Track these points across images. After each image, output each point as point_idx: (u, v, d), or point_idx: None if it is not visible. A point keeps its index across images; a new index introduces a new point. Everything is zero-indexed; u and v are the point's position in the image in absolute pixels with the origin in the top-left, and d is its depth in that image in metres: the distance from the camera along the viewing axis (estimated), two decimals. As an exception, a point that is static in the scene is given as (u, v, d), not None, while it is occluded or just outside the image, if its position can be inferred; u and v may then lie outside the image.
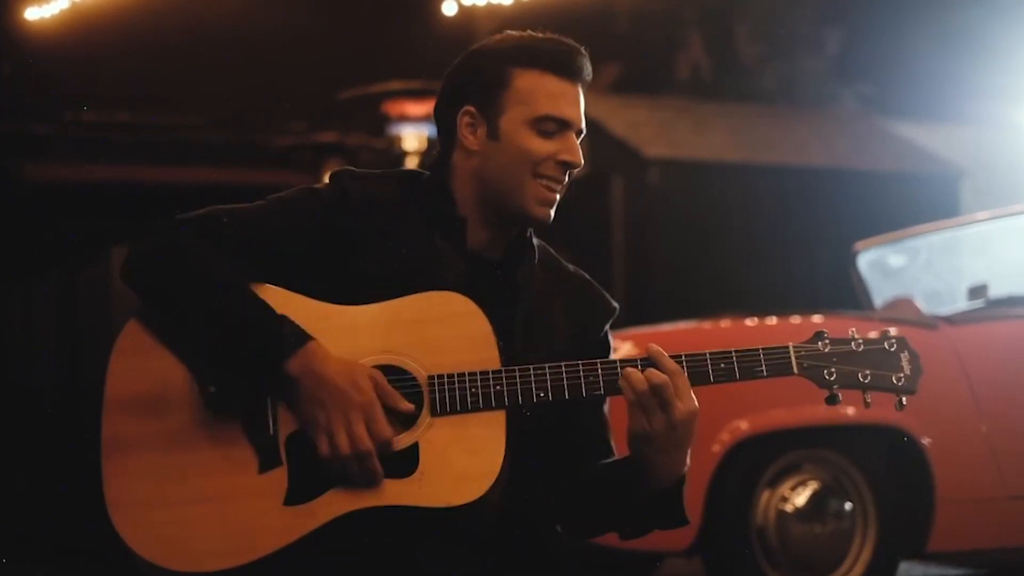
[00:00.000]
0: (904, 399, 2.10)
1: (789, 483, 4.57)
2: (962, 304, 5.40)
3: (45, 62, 10.41)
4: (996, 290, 5.32)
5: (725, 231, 10.78)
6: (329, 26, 11.50)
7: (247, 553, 1.99)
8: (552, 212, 2.17)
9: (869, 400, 2.09)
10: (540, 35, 2.21)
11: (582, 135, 2.20)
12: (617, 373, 2.06)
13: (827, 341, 2.10)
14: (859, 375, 2.08)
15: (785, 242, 10.81)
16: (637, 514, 2.14)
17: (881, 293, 5.83)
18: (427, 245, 2.15)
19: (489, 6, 10.83)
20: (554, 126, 2.15)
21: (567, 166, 2.16)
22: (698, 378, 2.07)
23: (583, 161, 2.18)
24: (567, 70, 2.16)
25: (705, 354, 2.08)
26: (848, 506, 4.58)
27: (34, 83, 10.19)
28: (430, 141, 10.87)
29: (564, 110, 2.15)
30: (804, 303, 7.46)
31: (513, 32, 2.23)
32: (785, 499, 4.55)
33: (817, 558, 4.56)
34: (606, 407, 2.28)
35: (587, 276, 2.32)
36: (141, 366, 2.07)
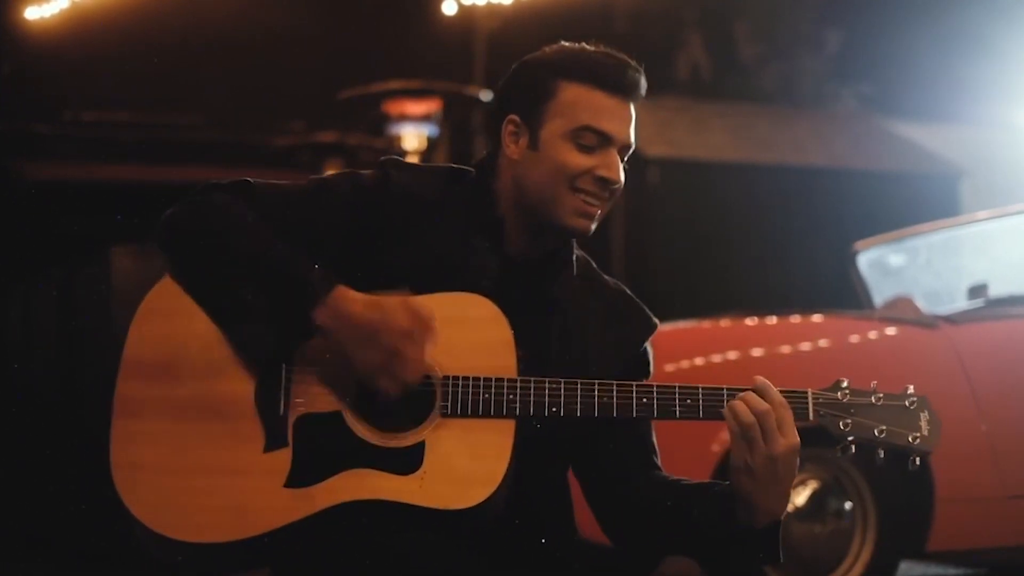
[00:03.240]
0: (917, 460, 2.06)
1: (789, 482, 4.57)
2: (962, 303, 5.40)
3: (45, 62, 10.42)
4: (996, 289, 5.31)
5: (725, 231, 10.79)
6: (329, 26, 11.50)
7: (242, 530, 1.99)
8: (593, 225, 2.14)
9: (882, 455, 2.05)
10: (592, 48, 2.16)
11: (629, 152, 2.16)
12: (631, 396, 2.04)
13: (847, 391, 2.07)
14: (875, 430, 2.05)
15: (785, 242, 10.82)
16: (728, 548, 2.08)
17: (881, 292, 5.83)
18: (463, 243, 2.14)
19: (489, 6, 10.83)
20: (594, 139, 2.11)
21: (605, 183, 2.12)
22: (711, 413, 2.05)
23: (623, 179, 2.13)
24: (615, 85, 2.12)
25: (722, 389, 2.05)
26: (848, 505, 4.58)
27: (34, 83, 10.19)
28: (430, 140, 10.88)
29: (605, 124, 2.11)
30: (804, 302, 7.45)
31: (566, 44, 2.19)
32: (785, 498, 4.55)
33: (817, 557, 4.56)
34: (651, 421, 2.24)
35: (627, 291, 2.29)
36: (162, 331, 2.08)
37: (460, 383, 2.03)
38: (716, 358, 4.62)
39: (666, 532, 2.15)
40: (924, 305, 5.40)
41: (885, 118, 12.87)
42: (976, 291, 5.38)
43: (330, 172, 2.20)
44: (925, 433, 2.07)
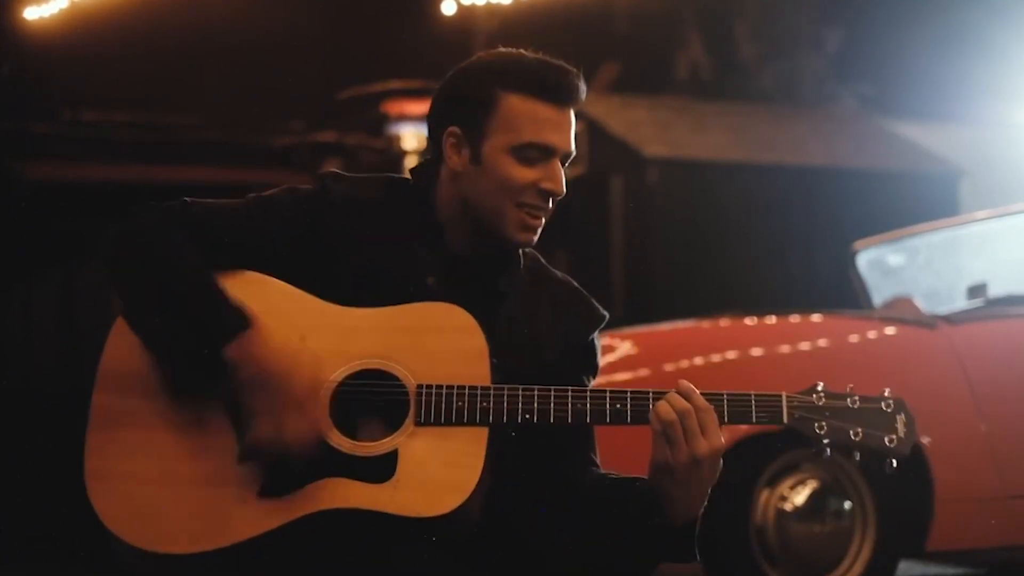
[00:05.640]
0: (894, 462, 2.06)
1: (788, 482, 4.57)
2: (961, 303, 5.40)
3: (45, 62, 10.43)
4: (995, 289, 5.32)
5: (724, 230, 10.78)
6: (329, 26, 11.51)
7: (217, 539, 2.00)
8: (535, 237, 2.15)
9: (858, 458, 2.06)
10: (531, 56, 2.15)
11: (571, 158, 2.16)
12: (604, 402, 2.03)
13: (822, 394, 2.07)
14: (851, 432, 2.04)
15: (785, 241, 10.82)
16: (643, 544, 2.09)
17: (880, 292, 5.84)
18: (404, 248, 2.14)
19: (489, 6, 10.83)
20: (537, 153, 2.10)
21: (548, 195, 2.12)
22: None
23: (565, 190, 2.13)
24: (555, 94, 2.11)
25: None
26: (847, 505, 4.58)
27: (34, 83, 10.21)
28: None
29: (548, 137, 2.10)
30: (803, 302, 7.46)
31: (505, 51, 2.18)
32: (784, 498, 4.55)
33: (816, 557, 4.56)
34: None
35: (575, 284, 2.28)
36: (137, 344, 2.09)
37: (434, 391, 2.02)
38: (716, 358, 4.62)
39: (589, 527, 2.15)
40: (923, 305, 5.40)
41: (885, 118, 12.86)
42: (975, 291, 5.38)
43: (270, 190, 2.20)
44: (901, 435, 2.06)
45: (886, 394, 2.09)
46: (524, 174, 2.10)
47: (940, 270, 5.99)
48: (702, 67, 13.89)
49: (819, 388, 2.07)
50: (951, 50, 12.63)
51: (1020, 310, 4.93)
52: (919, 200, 10.45)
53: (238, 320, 2.01)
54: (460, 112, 2.14)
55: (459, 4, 10.83)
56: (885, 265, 6.01)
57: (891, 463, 2.07)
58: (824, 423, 2.05)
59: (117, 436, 2.06)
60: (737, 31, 14.05)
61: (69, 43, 10.33)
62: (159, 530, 2.01)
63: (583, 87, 2.14)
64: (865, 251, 5.94)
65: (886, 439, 2.05)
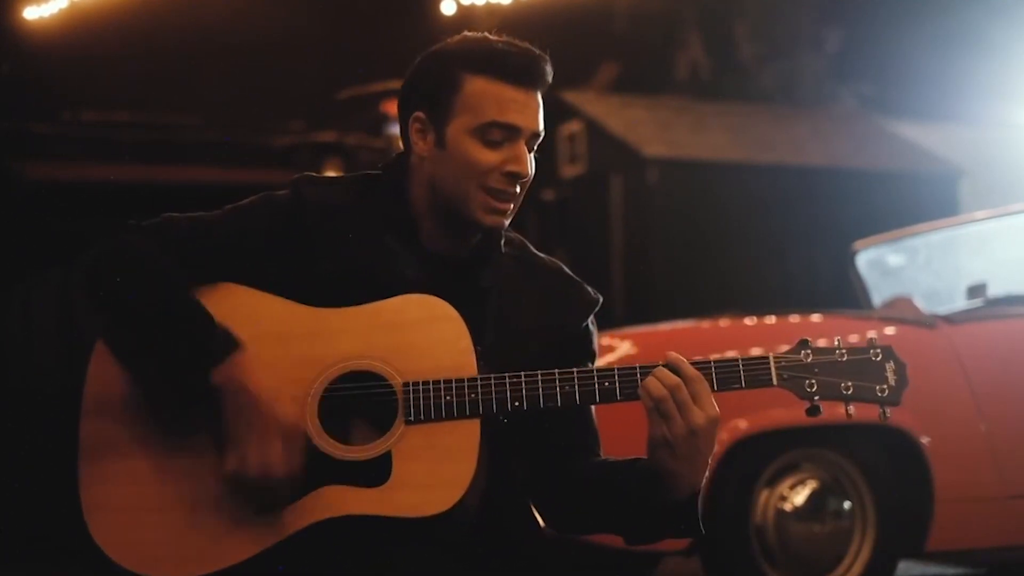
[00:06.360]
0: (888, 411, 2.04)
1: (788, 482, 4.57)
2: (961, 303, 5.41)
3: (45, 62, 10.43)
4: (995, 289, 5.32)
5: (724, 230, 10.79)
6: (328, 26, 11.51)
7: (219, 560, 1.99)
8: (505, 220, 2.12)
9: (852, 411, 2.04)
10: (496, 39, 2.12)
11: (538, 140, 2.13)
12: (593, 382, 2.02)
13: (809, 351, 2.05)
14: (841, 386, 2.03)
15: (784, 241, 10.83)
16: (650, 522, 2.09)
17: (880, 292, 5.84)
18: (382, 247, 2.12)
19: (488, 5, 10.84)
20: (501, 134, 2.07)
21: (514, 177, 2.08)
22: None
23: (532, 172, 2.11)
24: (520, 76, 2.08)
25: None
26: (847, 505, 4.58)
27: (34, 83, 10.20)
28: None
29: (512, 116, 2.06)
30: (803, 302, 7.46)
31: (471, 35, 2.15)
32: (784, 498, 4.55)
33: (816, 557, 4.56)
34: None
35: (564, 268, 2.26)
36: (120, 370, 2.07)
37: (420, 388, 2.00)
38: (715, 358, 4.61)
39: (595, 510, 2.15)
40: (923, 305, 5.40)
41: (885, 118, 12.88)
42: (975, 291, 5.38)
43: (246, 199, 2.17)
44: (892, 384, 2.04)
45: (873, 340, 2.06)
46: (488, 156, 2.07)
47: (940, 270, 6.00)
48: (702, 67, 13.90)
49: (807, 344, 2.06)
50: (951, 50, 12.64)
51: (1020, 310, 4.93)
52: (919, 200, 10.46)
53: (225, 343, 1.99)
54: (425, 96, 2.12)
55: (459, 4, 10.83)
56: (885, 265, 6.01)
57: (884, 413, 2.04)
58: (814, 380, 2.03)
59: (109, 466, 2.04)
60: (737, 31, 14.06)
61: (69, 43, 10.34)
62: (163, 557, 2.00)
63: (549, 70, 2.12)
64: (865, 251, 5.94)
65: (877, 389, 2.03)
